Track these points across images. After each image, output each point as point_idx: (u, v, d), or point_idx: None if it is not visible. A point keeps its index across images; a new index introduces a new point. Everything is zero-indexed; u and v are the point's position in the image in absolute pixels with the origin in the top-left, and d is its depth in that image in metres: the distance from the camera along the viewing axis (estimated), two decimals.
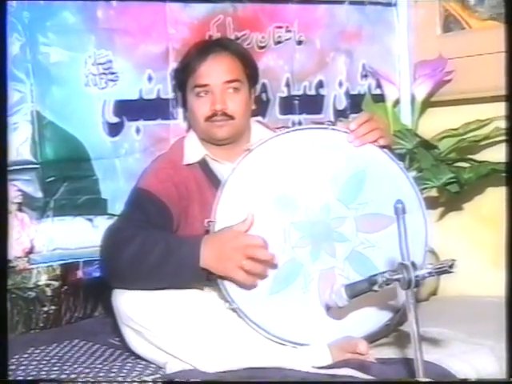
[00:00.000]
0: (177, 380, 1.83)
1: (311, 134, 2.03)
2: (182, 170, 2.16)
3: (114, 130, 2.37)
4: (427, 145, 2.53)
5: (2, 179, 1.79)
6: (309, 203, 1.94)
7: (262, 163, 1.97)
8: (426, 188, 2.44)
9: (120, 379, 1.87)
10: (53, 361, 2.04)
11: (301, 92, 2.67)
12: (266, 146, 1.98)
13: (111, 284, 1.96)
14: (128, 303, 1.90)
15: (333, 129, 2.08)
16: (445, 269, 1.58)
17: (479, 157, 2.55)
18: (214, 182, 2.10)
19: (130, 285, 1.90)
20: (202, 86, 2.16)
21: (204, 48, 2.22)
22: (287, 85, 2.65)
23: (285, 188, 1.94)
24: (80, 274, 2.36)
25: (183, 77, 2.23)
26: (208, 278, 1.90)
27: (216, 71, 2.16)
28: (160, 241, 1.91)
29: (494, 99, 2.43)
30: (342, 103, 2.75)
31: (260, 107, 2.42)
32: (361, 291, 1.74)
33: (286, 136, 2.02)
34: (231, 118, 2.15)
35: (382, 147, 2.02)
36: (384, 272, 1.65)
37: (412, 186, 2.01)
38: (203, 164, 2.19)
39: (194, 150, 2.21)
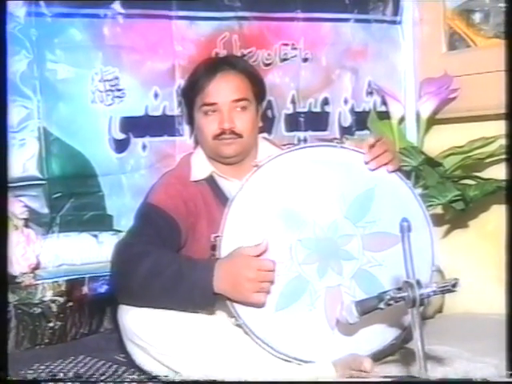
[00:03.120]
0: (176, 380, 1.84)
1: (320, 151, 2.03)
2: (190, 186, 2.17)
3: (120, 146, 2.39)
4: (433, 162, 2.53)
5: (3, 196, 1.80)
6: (316, 220, 1.94)
7: (270, 180, 1.97)
8: (431, 205, 2.43)
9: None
10: (58, 377, 2.02)
11: (306, 109, 2.69)
12: (274, 162, 1.98)
13: (120, 300, 1.96)
14: (134, 319, 1.91)
15: (342, 147, 2.06)
16: (448, 288, 1.58)
17: (484, 174, 2.55)
18: (222, 198, 2.11)
19: (140, 303, 1.91)
20: (210, 104, 2.16)
21: (212, 66, 2.23)
22: (293, 102, 2.66)
23: (292, 205, 1.94)
24: (85, 289, 2.36)
25: (191, 95, 2.23)
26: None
27: (224, 90, 2.16)
28: (172, 262, 1.91)
29: (499, 117, 2.42)
30: (348, 120, 2.76)
31: (266, 124, 2.43)
32: (371, 308, 1.74)
33: (295, 153, 2.02)
34: (239, 136, 2.16)
35: (395, 171, 2.02)
36: (389, 290, 1.66)
37: (419, 205, 2.01)
38: (210, 181, 2.20)
39: (201, 167, 2.22)
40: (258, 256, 1.86)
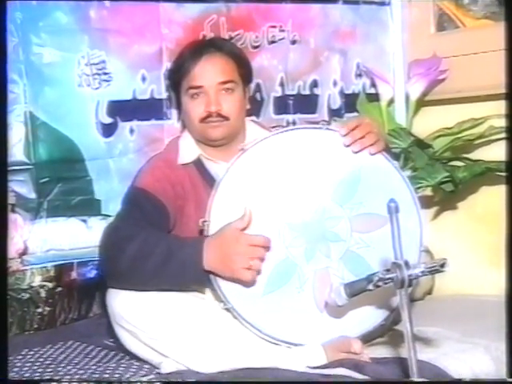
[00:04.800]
0: (174, 380, 1.83)
1: (306, 133, 2.01)
2: (178, 169, 2.16)
3: (108, 130, 2.38)
4: (422, 144, 2.53)
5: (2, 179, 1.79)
6: (303, 203, 1.93)
7: (256, 163, 1.95)
8: (420, 187, 2.44)
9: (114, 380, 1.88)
10: (47, 362, 2.03)
11: (295, 91, 2.68)
12: (261, 145, 1.97)
13: (110, 284, 1.95)
14: (122, 303, 1.90)
15: (327, 129, 2.05)
16: (436, 268, 1.58)
17: (474, 156, 2.55)
18: (209, 181, 2.09)
19: (130, 285, 1.90)
20: (196, 87, 2.15)
21: (197, 49, 2.21)
22: (281, 84, 2.65)
23: (279, 188, 1.93)
24: (74, 275, 2.36)
25: (177, 78, 2.22)
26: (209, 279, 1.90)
27: (210, 72, 2.15)
28: (160, 242, 1.91)
29: (488, 98, 2.43)
30: (337, 103, 2.75)
31: (254, 107, 2.42)
32: (360, 290, 1.74)
33: (281, 136, 2.00)
34: (226, 118, 2.14)
35: (379, 152, 2.00)
36: (378, 271, 1.66)
37: (407, 186, 2.00)
38: (198, 164, 2.18)
39: (188, 150, 2.20)
40: (246, 227, 1.86)
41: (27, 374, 1.94)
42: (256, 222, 1.88)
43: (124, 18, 2.38)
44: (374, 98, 2.77)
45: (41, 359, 2.06)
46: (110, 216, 2.31)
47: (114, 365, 1.97)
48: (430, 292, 2.63)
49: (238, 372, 1.83)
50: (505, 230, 1.70)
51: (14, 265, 2.25)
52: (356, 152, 1.96)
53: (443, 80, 2.66)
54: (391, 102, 2.75)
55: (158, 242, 1.91)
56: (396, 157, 2.27)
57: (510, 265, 1.70)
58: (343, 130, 1.97)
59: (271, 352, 1.89)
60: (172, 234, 2.09)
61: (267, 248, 1.86)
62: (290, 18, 2.62)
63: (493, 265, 2.47)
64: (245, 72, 2.23)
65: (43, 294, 2.33)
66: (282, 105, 2.66)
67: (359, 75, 2.79)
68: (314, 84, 2.70)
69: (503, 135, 2.25)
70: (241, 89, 2.20)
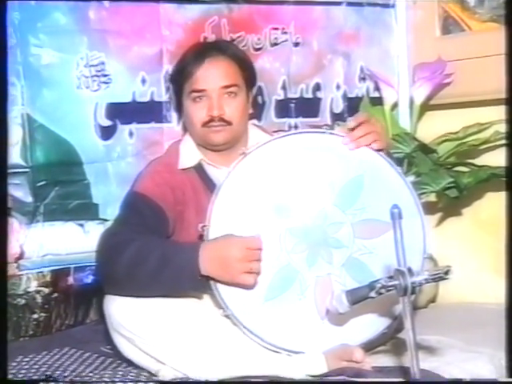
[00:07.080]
0: (172, 381, 1.83)
1: (308, 137, 2.00)
2: (178, 174, 2.14)
3: (107, 133, 2.37)
4: (426, 149, 2.51)
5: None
6: (305, 208, 1.91)
7: (257, 167, 1.94)
8: (424, 193, 2.41)
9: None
10: (42, 369, 2.01)
11: (297, 95, 2.66)
12: (262, 149, 1.96)
13: (106, 290, 1.94)
14: (119, 310, 1.88)
15: (330, 133, 2.04)
16: (440, 275, 1.58)
17: (479, 161, 2.53)
18: (210, 186, 2.07)
19: (126, 291, 1.88)
20: (199, 91, 2.12)
21: (200, 52, 2.19)
22: (283, 87, 2.63)
23: (281, 193, 1.92)
24: (71, 280, 2.35)
25: (179, 81, 2.20)
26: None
27: (213, 76, 2.13)
28: (156, 248, 1.89)
29: (493, 102, 2.40)
30: (340, 106, 2.73)
31: (256, 110, 2.39)
32: (362, 297, 1.73)
33: (283, 140, 1.99)
34: (228, 123, 2.12)
35: (377, 151, 1.98)
36: (380, 278, 1.64)
37: (410, 192, 1.98)
38: (199, 168, 2.17)
39: (189, 155, 2.18)
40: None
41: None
42: (257, 227, 1.87)
43: (124, 19, 2.37)
44: (377, 101, 2.75)
45: (36, 366, 2.04)
46: (107, 220, 2.31)
47: (110, 372, 1.95)
48: (433, 300, 2.62)
49: (237, 380, 1.82)
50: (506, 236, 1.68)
51: (9, 270, 2.22)
52: (352, 149, 1.96)
53: (448, 84, 2.64)
54: (395, 105, 2.73)
55: (154, 247, 1.89)
56: (399, 162, 2.26)
57: (510, 271, 1.69)
58: (351, 124, 1.98)
59: (271, 360, 1.87)
60: (168, 239, 2.07)
61: (261, 248, 1.85)
62: (292, 20, 2.60)
63: (497, 272, 2.44)
64: (248, 76, 2.21)
65: (39, 299, 2.32)
66: (283, 108, 2.64)
67: (363, 78, 2.76)
68: (317, 87, 2.68)
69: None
70: (244, 93, 2.18)
